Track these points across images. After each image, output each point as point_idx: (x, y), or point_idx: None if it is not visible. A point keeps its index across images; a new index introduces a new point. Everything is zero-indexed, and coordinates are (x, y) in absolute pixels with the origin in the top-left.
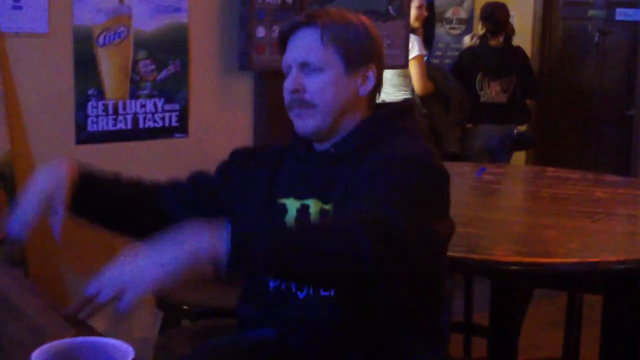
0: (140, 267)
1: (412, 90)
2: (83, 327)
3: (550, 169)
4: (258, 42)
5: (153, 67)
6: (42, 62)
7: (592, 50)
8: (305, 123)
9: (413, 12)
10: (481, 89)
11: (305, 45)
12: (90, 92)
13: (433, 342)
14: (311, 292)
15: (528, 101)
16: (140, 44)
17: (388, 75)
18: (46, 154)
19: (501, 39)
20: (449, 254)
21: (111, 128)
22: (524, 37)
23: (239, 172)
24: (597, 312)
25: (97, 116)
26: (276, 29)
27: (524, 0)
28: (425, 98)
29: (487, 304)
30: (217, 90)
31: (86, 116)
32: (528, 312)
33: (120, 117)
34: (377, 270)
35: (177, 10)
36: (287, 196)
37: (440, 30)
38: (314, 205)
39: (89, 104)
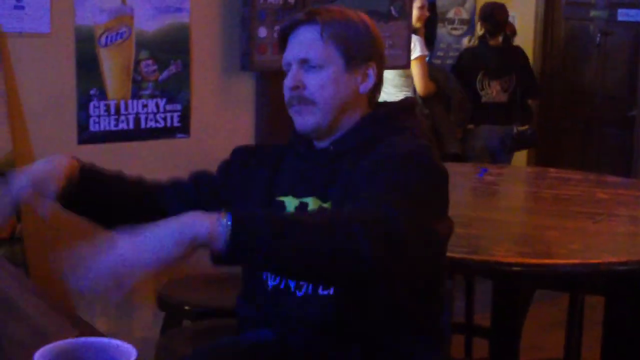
0: (137, 250)
1: (414, 91)
2: (85, 328)
3: (551, 169)
4: (260, 42)
5: (155, 67)
6: (44, 62)
7: (594, 50)
8: (304, 120)
9: (415, 13)
10: (482, 89)
11: (306, 42)
12: (92, 92)
13: (433, 342)
14: (310, 291)
15: (530, 101)
16: (142, 44)
17: (390, 75)
18: (48, 154)
19: (500, 39)
20: (450, 254)
21: (113, 128)
22: (525, 37)
23: (239, 171)
24: (599, 313)
25: (99, 116)
26: (278, 29)
27: (526, 0)
28: (426, 98)
29: (488, 304)
30: (218, 91)
31: (88, 116)
32: (529, 313)
33: (122, 117)
34: (376, 270)
35: (179, 10)
36: (286, 194)
37: (442, 30)
38: (312, 204)
39: (91, 104)
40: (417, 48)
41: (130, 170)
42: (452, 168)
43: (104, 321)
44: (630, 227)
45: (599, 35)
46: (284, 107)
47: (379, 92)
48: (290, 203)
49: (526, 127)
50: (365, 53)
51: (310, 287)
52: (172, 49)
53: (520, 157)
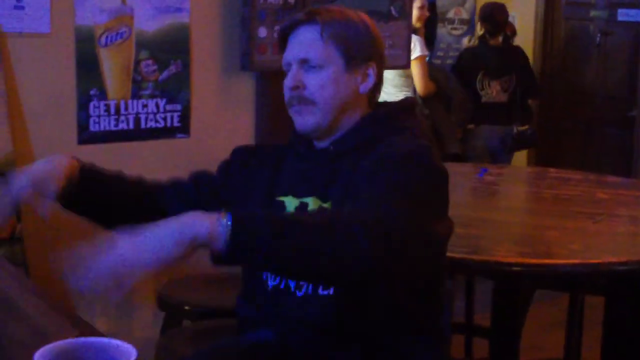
0: (137, 250)
1: (414, 91)
2: (85, 328)
3: (552, 169)
4: (260, 42)
5: (155, 67)
6: (44, 62)
7: (594, 51)
8: (304, 120)
9: (415, 13)
10: (482, 89)
11: (305, 42)
12: (92, 92)
13: (433, 342)
14: (310, 291)
15: (530, 101)
16: (142, 44)
17: (390, 75)
18: (48, 154)
19: (500, 39)
20: (450, 254)
21: (113, 128)
22: (525, 37)
23: (239, 171)
24: (599, 313)
25: (99, 116)
26: (278, 29)
27: (526, 0)
28: (427, 99)
29: (488, 305)
30: (218, 91)
31: (88, 116)
32: (529, 313)
33: (122, 117)
34: (376, 270)
35: (179, 10)
36: (286, 194)
37: (442, 30)
38: (312, 204)
39: (91, 104)
40: (417, 48)
41: (130, 170)
42: (452, 168)
43: (104, 321)
44: (630, 227)
45: (599, 35)
46: (284, 107)
47: (379, 92)
48: (291, 203)
49: (526, 127)
50: (365, 53)
51: (310, 287)
52: (172, 49)
53: (520, 157)
